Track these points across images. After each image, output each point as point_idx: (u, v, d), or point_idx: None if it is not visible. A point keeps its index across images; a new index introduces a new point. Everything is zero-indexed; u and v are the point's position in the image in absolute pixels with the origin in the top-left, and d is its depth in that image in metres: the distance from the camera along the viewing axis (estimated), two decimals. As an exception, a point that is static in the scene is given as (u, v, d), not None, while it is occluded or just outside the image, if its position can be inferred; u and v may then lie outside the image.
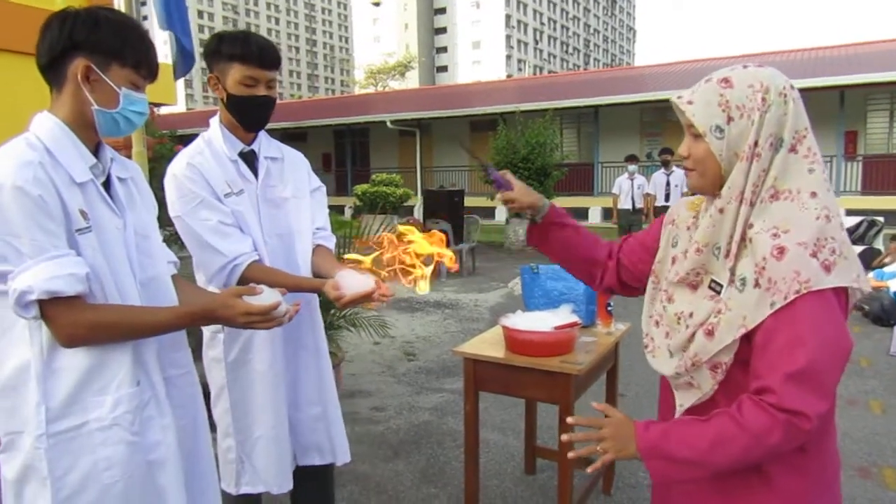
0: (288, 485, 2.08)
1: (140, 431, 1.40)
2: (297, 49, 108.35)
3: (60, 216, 1.30)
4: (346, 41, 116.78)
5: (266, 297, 1.48)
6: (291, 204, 2.08)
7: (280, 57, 2.02)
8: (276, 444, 2.03)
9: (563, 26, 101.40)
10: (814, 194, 1.16)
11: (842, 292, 1.15)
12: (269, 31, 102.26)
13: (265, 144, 2.08)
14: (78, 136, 1.40)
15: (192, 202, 1.89)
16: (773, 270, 1.12)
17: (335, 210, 9.54)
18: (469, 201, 11.59)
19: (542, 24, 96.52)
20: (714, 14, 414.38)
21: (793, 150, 1.18)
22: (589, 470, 1.30)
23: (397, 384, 4.74)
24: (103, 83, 1.38)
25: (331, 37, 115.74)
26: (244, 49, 1.89)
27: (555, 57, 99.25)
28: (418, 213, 17.95)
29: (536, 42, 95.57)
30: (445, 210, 10.37)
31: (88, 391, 1.35)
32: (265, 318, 1.48)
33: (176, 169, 1.94)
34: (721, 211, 1.21)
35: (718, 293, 1.22)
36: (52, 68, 1.38)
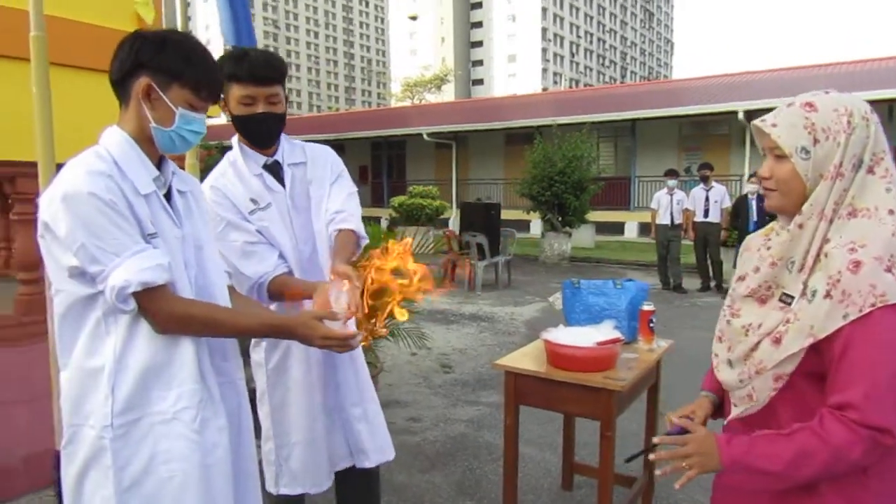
0: (325, 484, 2.14)
1: (199, 430, 1.46)
2: (336, 62, 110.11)
3: (133, 220, 1.38)
4: (383, 54, 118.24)
5: (336, 325, 1.56)
6: (314, 204, 2.12)
7: (280, 71, 1.99)
8: (312, 448, 2.10)
9: (599, 39, 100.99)
10: (891, 212, 1.21)
11: None
12: (308, 44, 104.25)
13: (288, 151, 2.11)
14: (142, 149, 1.48)
15: (219, 225, 1.96)
16: (848, 283, 1.15)
17: (372, 221, 9.63)
18: (505, 214, 11.59)
19: (578, 36, 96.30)
20: (754, 26, 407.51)
21: (870, 171, 1.24)
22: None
23: (433, 396, 4.77)
24: (162, 102, 1.45)
25: (368, 50, 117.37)
26: (237, 68, 1.91)
27: (591, 70, 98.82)
28: (453, 225, 18.01)
29: (573, 55, 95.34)
30: (482, 223, 10.39)
31: (153, 386, 1.42)
32: (342, 344, 1.56)
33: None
34: (800, 227, 1.25)
35: (789, 304, 1.26)
36: (121, 85, 1.47)
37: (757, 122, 1.31)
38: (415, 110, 31.30)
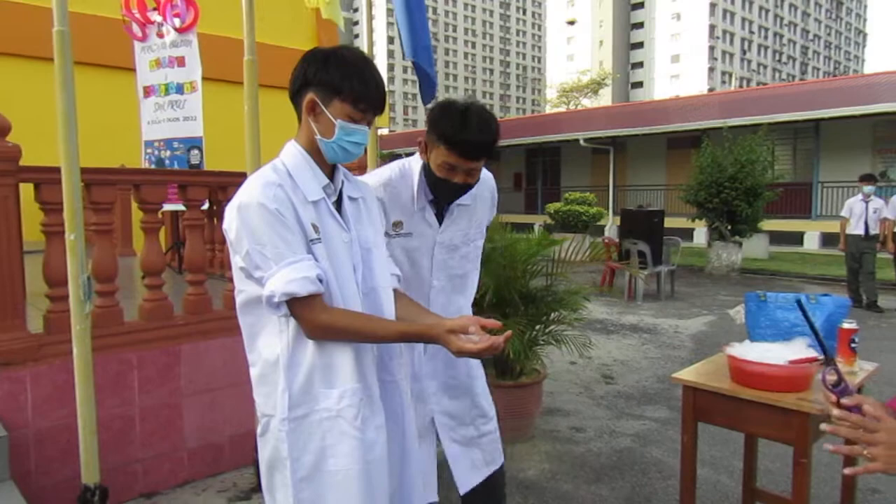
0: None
1: (361, 428, 1.55)
2: (491, 70, 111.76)
3: (297, 228, 1.50)
4: (539, 61, 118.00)
5: (475, 338, 1.53)
6: (462, 251, 2.16)
7: (492, 149, 1.91)
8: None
9: (775, 34, 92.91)
10: None
11: None
12: (466, 54, 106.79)
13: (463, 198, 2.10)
14: (314, 160, 1.60)
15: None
16: None
17: (524, 227, 9.65)
18: (668, 222, 11.05)
19: (750, 32, 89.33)
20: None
21: None
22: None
23: (596, 406, 4.67)
24: (324, 115, 1.55)
25: (524, 57, 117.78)
26: (453, 134, 1.83)
27: (765, 67, 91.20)
28: (610, 232, 17.51)
29: (744, 52, 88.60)
30: (643, 231, 9.98)
31: (319, 383, 1.53)
32: (480, 354, 1.53)
33: None
34: None
35: None
36: (295, 101, 1.61)
37: None
38: (571, 115, 30.86)
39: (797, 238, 16.98)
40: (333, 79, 1.53)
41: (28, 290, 2.95)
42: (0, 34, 6.58)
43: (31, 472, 2.83)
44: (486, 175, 2.12)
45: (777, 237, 15.83)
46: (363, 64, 1.57)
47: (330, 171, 1.65)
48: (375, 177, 2.05)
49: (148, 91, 5.03)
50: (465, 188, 1.97)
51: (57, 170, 2.68)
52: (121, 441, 3.10)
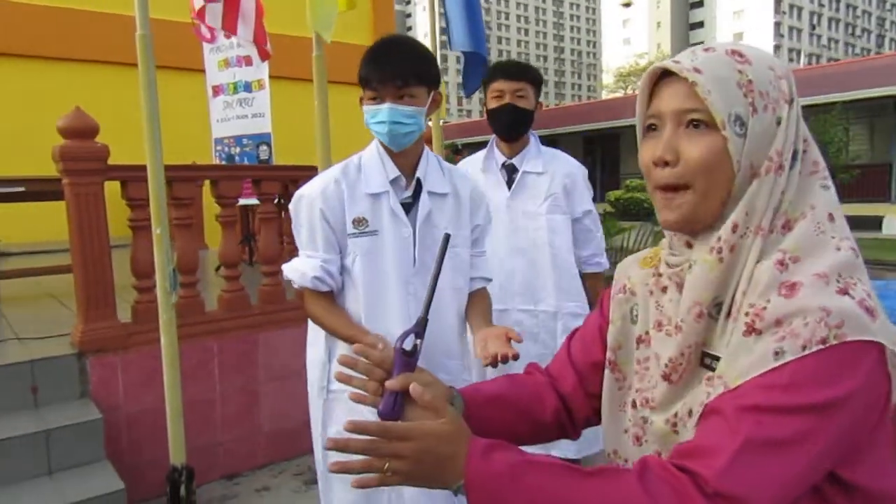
0: None
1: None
2: (545, 58, 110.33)
3: (337, 225, 1.62)
4: (594, 45, 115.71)
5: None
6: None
7: (526, 69, 2.37)
8: None
9: (848, 5, 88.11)
10: (831, 217, 0.82)
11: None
12: (519, 42, 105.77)
13: (530, 158, 2.46)
14: (386, 152, 1.65)
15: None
16: (783, 308, 0.74)
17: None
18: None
19: (820, 5, 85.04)
20: None
21: (802, 161, 0.84)
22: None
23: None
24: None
25: (578, 42, 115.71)
26: (492, 73, 2.35)
27: (836, 42, 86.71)
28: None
29: (813, 27, 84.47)
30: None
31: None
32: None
33: None
34: (732, 249, 0.80)
35: (713, 370, 0.81)
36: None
37: (666, 63, 0.86)
38: (630, 101, 30.18)
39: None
40: (360, 70, 1.61)
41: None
42: (85, 42, 6.95)
43: (122, 452, 3.01)
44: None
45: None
46: (382, 47, 1.60)
47: (411, 163, 1.66)
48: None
49: (217, 90, 5.23)
50: (519, 112, 2.29)
51: (142, 168, 2.83)
52: (204, 424, 3.25)
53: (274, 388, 3.49)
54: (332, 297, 1.67)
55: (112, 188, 3.08)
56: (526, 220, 2.30)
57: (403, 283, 1.63)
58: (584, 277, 2.44)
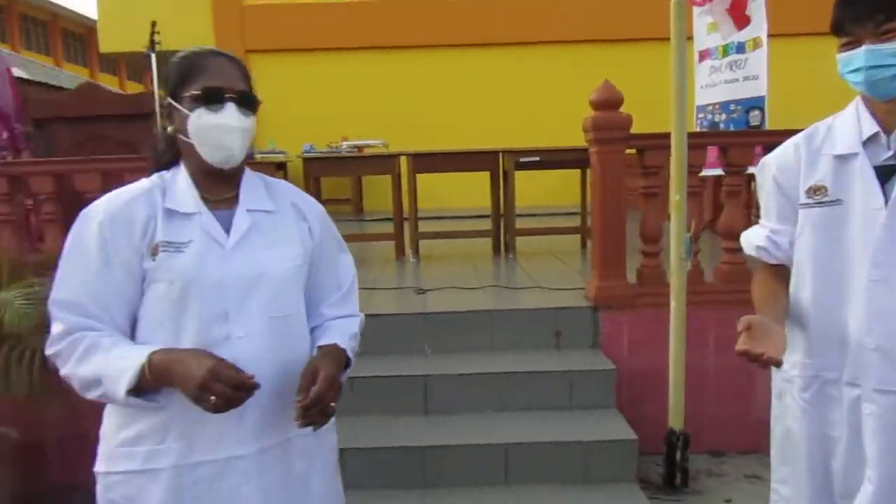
0: None
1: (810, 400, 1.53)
2: None
3: (784, 192, 1.46)
4: None
5: None
6: None
7: None
8: None
9: None
10: None
11: None
12: None
13: None
14: (869, 106, 1.35)
15: None
16: None
17: None
18: None
19: None
20: None
21: None
22: None
23: None
24: None
25: None
26: None
27: None
28: None
29: None
30: None
31: None
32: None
33: None
34: None
35: None
36: None
37: None
38: None
39: None
40: (832, 18, 1.35)
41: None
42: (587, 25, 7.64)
43: (623, 404, 3.24)
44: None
45: None
46: None
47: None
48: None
49: (703, 55, 5.09)
50: None
51: (658, 136, 2.92)
52: (696, 394, 3.26)
53: (768, 374, 3.26)
54: (776, 271, 1.55)
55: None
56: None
57: (869, 265, 1.31)
58: None
